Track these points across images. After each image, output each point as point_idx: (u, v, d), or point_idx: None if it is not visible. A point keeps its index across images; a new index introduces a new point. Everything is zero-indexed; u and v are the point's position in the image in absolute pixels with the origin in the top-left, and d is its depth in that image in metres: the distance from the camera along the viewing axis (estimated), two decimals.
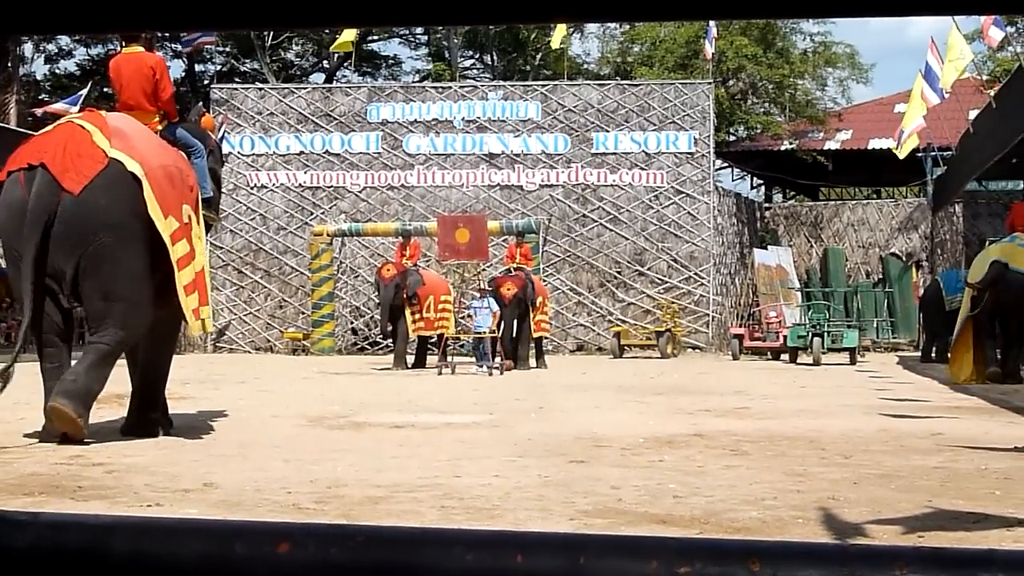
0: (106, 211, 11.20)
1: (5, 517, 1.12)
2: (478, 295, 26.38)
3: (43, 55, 54.26)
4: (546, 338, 29.99)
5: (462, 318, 30.14)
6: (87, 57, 55.26)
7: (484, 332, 25.57)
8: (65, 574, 1.09)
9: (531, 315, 27.36)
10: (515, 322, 27.12)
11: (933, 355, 30.39)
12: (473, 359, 26.82)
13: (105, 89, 52.45)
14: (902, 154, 34.79)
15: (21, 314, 12.13)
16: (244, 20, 1.15)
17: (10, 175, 11.47)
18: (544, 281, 32.49)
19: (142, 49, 13.02)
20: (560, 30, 40.16)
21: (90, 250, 11.24)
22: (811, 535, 6.77)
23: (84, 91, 34.79)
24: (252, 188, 37.56)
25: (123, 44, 13.60)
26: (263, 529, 1.08)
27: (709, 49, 39.47)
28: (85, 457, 10.01)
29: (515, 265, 28.23)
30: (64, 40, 52.60)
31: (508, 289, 27.04)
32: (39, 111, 33.70)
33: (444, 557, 1.03)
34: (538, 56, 51.39)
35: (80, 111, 12.44)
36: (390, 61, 57.08)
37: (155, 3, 1.11)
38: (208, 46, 43.81)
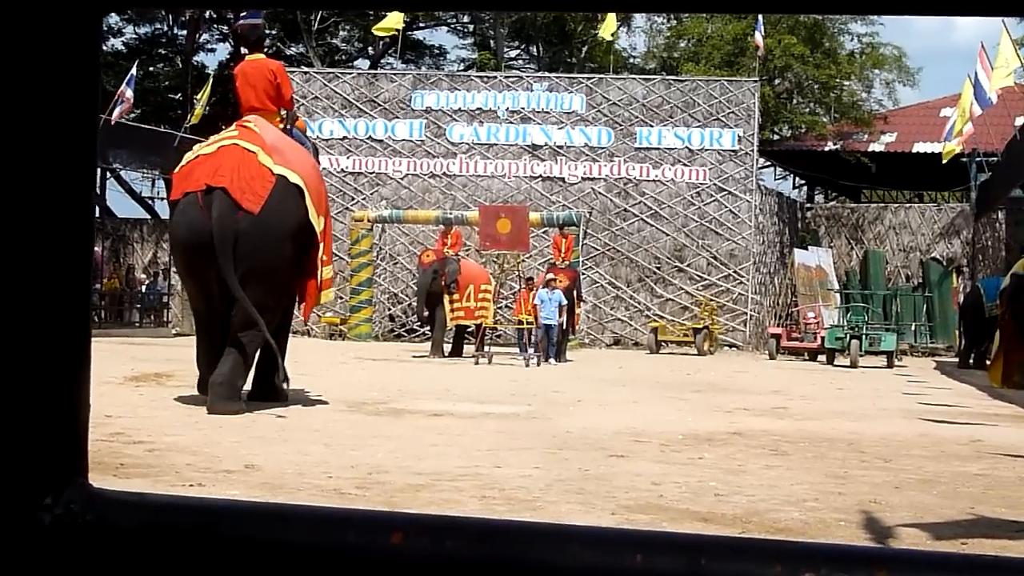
0: (279, 224, 12.98)
1: (113, 497, 1.11)
2: (545, 287, 26.35)
3: None
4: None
5: (502, 307, 30.15)
6: (135, 36, 55.48)
7: (552, 323, 25.77)
8: (173, 556, 1.09)
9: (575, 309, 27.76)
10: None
11: (971, 361, 30.19)
12: (517, 350, 26.95)
13: (151, 68, 52.71)
14: (945, 158, 34.57)
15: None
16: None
17: (187, 195, 13.09)
18: (583, 275, 32.47)
19: (263, 56, 14.79)
20: (610, 21, 39.95)
21: (260, 259, 12.92)
22: (853, 538, 6.74)
23: (132, 70, 34.90)
24: None
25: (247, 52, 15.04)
26: (375, 518, 1.07)
27: (759, 39, 39.12)
28: (126, 435, 10.06)
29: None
30: (115, 18, 52.84)
31: (560, 282, 27.23)
32: (119, 100, 33.54)
33: (559, 553, 1.02)
34: (584, 49, 51.24)
35: (234, 127, 13.87)
36: (435, 50, 57.07)
37: None
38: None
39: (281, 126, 14.28)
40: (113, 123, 32.32)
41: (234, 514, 1.08)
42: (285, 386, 13.46)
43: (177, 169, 13.82)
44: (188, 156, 13.86)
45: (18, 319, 1.07)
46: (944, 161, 35.07)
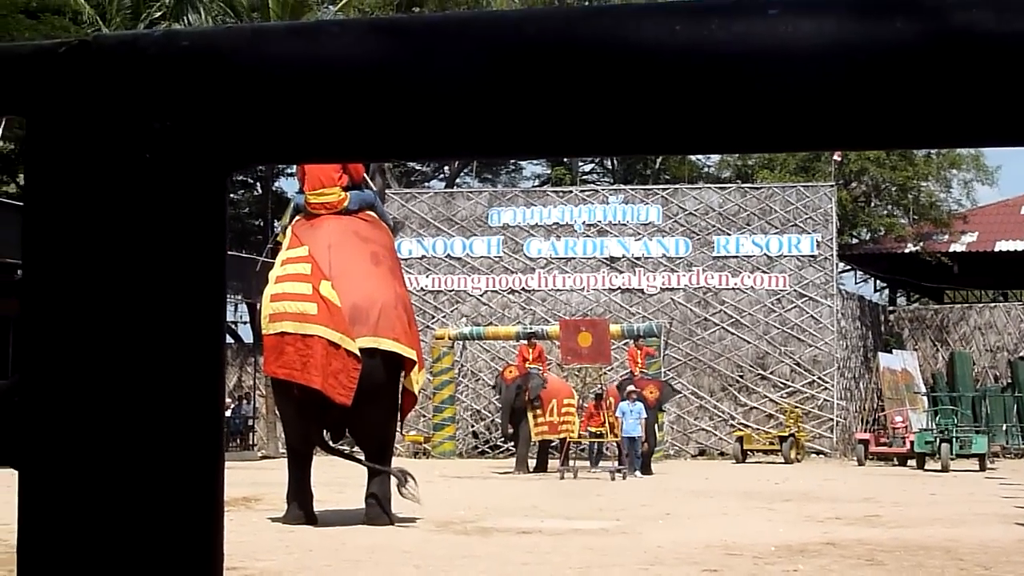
0: (373, 396, 14.44)
1: None
2: (626, 399, 26.20)
3: None
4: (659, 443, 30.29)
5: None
6: None
7: (634, 436, 25.63)
8: None
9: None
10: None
11: None
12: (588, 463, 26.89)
13: (231, 195, 53.28)
14: None
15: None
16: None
17: (281, 381, 14.81)
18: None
19: None
20: None
21: (365, 427, 15.07)
22: None
23: None
24: None
25: None
26: None
27: None
28: None
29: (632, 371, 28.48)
30: None
31: (651, 392, 27.18)
32: None
33: None
34: (658, 160, 51.47)
35: (308, 261, 15.02)
36: (510, 167, 57.49)
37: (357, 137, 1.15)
38: None
39: (344, 204, 15.45)
40: None
41: None
42: (412, 485, 14.75)
43: (265, 321, 14.90)
44: (272, 293, 14.43)
45: (155, 462, 1.10)
46: None
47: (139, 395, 1.09)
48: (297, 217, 15.98)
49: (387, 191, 41.12)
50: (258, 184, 54.64)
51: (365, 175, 16.61)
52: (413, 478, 14.82)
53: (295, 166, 16.68)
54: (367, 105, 1.07)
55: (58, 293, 1.09)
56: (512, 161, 57.00)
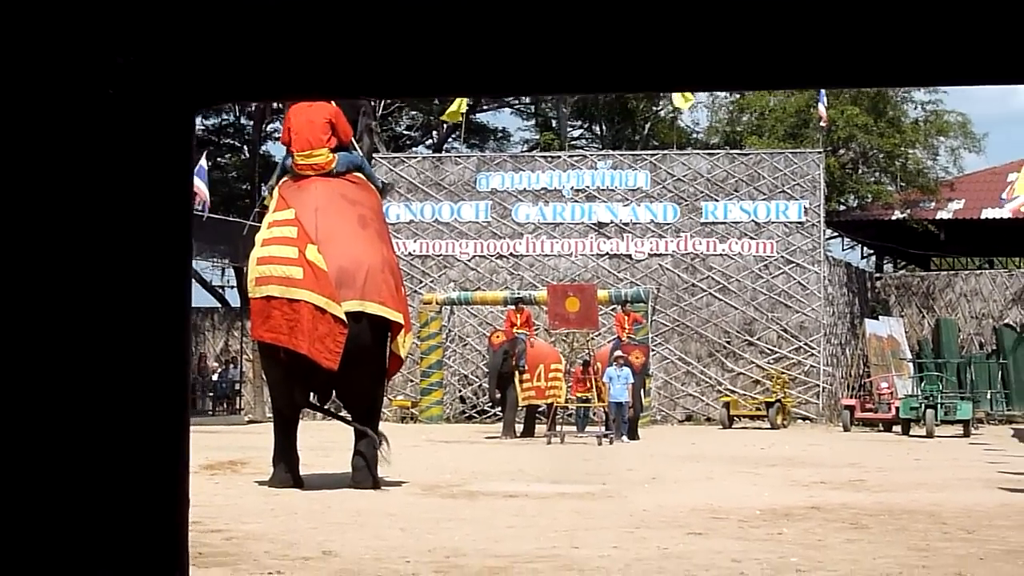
0: (359, 359, 14.34)
1: None
2: (612, 364, 26.27)
3: None
4: (645, 408, 30.40)
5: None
6: (202, 127, 56.12)
7: (621, 401, 25.73)
8: None
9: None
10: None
11: None
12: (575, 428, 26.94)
13: (219, 159, 53.10)
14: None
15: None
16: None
17: (267, 345, 14.91)
18: (653, 351, 32.50)
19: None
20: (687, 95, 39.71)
21: (352, 388, 15.08)
22: None
23: (202, 162, 34.07)
24: None
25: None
26: None
27: (823, 110, 39.12)
28: (203, 524, 10.05)
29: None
30: None
31: (637, 358, 27.24)
32: None
33: None
34: (647, 125, 51.35)
35: (295, 225, 15.07)
36: (499, 133, 57.28)
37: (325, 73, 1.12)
38: None
39: (332, 166, 15.46)
40: None
41: None
42: (385, 448, 15.00)
43: (252, 284, 15.17)
44: (258, 256, 14.48)
45: (118, 416, 1.08)
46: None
47: (99, 338, 1.06)
48: (284, 178, 15.90)
49: (375, 155, 40.99)
50: (245, 148, 54.48)
51: (353, 138, 16.51)
52: (386, 440, 15.03)
53: (282, 131, 16.67)
54: (338, 41, 1.04)
55: (16, 231, 1.06)
56: (501, 128, 56.91)
